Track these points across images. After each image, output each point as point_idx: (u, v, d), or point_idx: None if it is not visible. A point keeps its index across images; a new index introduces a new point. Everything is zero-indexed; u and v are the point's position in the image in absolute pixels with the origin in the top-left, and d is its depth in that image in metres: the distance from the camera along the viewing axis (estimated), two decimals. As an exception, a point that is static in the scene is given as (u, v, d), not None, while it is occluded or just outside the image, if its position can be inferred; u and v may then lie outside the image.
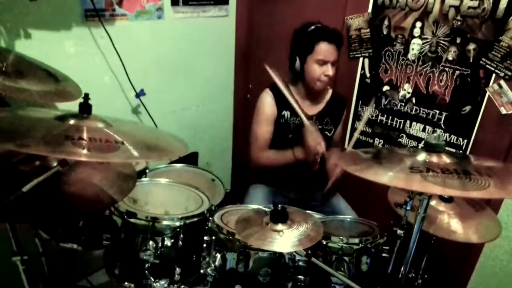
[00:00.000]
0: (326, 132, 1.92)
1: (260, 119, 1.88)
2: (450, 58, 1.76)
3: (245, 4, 2.48)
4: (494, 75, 1.65)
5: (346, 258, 1.34)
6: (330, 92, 1.95)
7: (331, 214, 1.66)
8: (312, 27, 1.76)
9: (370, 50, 2.03)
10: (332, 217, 1.57)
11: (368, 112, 1.77)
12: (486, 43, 1.64)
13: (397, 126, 2.03)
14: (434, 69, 1.82)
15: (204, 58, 2.38)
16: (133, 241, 1.32)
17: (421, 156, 1.11)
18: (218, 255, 1.35)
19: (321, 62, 1.73)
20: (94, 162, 1.22)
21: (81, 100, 1.11)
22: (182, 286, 1.35)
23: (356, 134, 1.84)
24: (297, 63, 1.78)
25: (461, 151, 1.82)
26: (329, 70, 1.73)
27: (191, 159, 2.42)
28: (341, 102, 1.99)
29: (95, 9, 1.74)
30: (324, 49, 1.71)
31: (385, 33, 1.95)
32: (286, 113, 1.86)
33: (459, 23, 1.70)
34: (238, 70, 2.64)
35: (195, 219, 1.36)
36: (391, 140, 2.07)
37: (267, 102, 1.86)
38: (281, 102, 1.84)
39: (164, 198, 1.50)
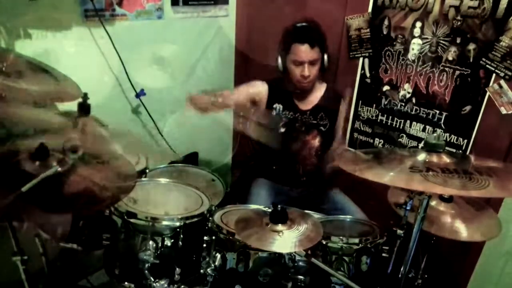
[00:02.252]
0: (321, 127, 1.91)
1: (242, 88, 1.89)
2: (450, 58, 1.76)
3: (245, 4, 2.48)
4: (494, 75, 1.65)
5: (346, 258, 1.34)
6: (323, 86, 1.94)
7: (335, 212, 1.65)
8: (290, 27, 1.76)
9: (370, 50, 2.03)
10: (332, 217, 1.57)
11: None
12: (486, 43, 1.64)
13: (397, 126, 2.03)
14: (434, 69, 1.82)
15: (204, 58, 2.38)
16: (133, 241, 1.32)
17: (421, 156, 1.12)
18: (218, 255, 1.35)
19: (297, 63, 1.73)
20: (94, 162, 1.22)
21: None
22: (182, 286, 1.35)
23: None
24: (279, 61, 1.80)
25: (461, 151, 1.81)
26: (305, 70, 1.72)
27: (191, 159, 2.42)
28: (336, 95, 1.97)
29: (95, 9, 1.74)
30: (298, 50, 1.71)
31: (385, 33, 1.95)
32: (278, 106, 1.86)
33: (459, 23, 1.70)
34: (238, 70, 2.64)
35: (195, 219, 1.37)
36: (391, 140, 2.07)
37: (259, 85, 1.87)
38: (274, 95, 1.85)
39: (164, 198, 1.50)
